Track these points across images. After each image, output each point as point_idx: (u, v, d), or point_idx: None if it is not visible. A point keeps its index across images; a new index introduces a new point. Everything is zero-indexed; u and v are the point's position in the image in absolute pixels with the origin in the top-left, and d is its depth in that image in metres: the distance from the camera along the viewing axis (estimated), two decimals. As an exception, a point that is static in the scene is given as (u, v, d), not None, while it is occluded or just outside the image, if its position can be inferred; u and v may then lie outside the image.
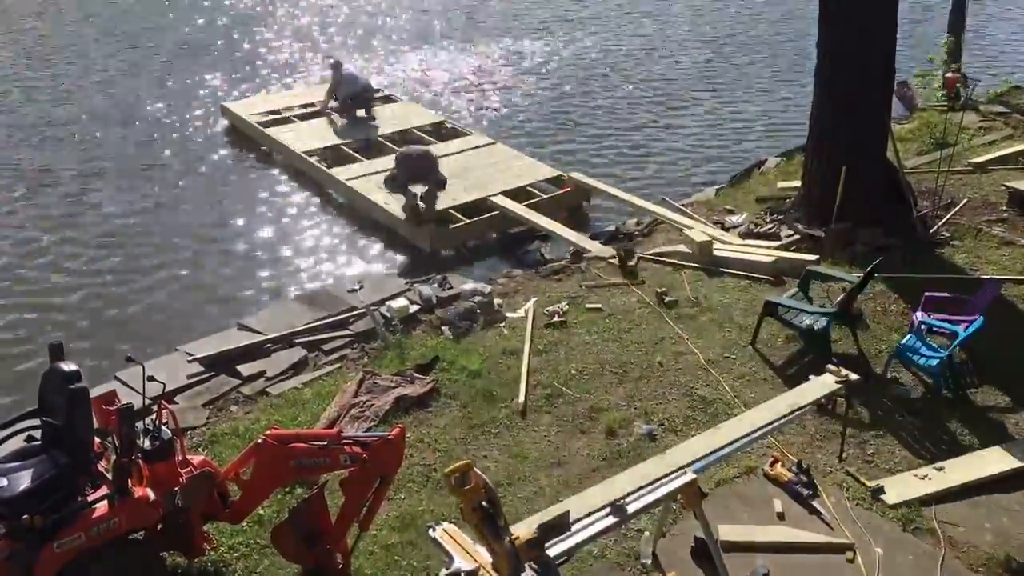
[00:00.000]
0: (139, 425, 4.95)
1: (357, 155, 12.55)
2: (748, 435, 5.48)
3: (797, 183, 10.42)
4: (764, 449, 6.50)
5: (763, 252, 9.24)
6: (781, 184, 11.14)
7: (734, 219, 10.30)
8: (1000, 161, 11.43)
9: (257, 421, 7.01)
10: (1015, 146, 11.91)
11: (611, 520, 4.70)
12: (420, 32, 19.46)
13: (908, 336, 7.38)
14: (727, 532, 5.69)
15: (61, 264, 10.28)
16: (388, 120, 13.79)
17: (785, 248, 9.38)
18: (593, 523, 4.68)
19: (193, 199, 11.88)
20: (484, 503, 4.09)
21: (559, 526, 4.38)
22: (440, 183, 11.07)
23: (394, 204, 10.95)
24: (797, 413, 5.74)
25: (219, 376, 7.90)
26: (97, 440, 5.01)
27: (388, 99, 14.86)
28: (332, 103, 13.96)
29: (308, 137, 12.97)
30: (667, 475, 5.00)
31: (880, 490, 6.09)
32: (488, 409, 7.09)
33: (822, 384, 5.85)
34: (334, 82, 13.81)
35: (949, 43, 14.04)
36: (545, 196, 11.43)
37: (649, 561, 5.51)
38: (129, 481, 4.84)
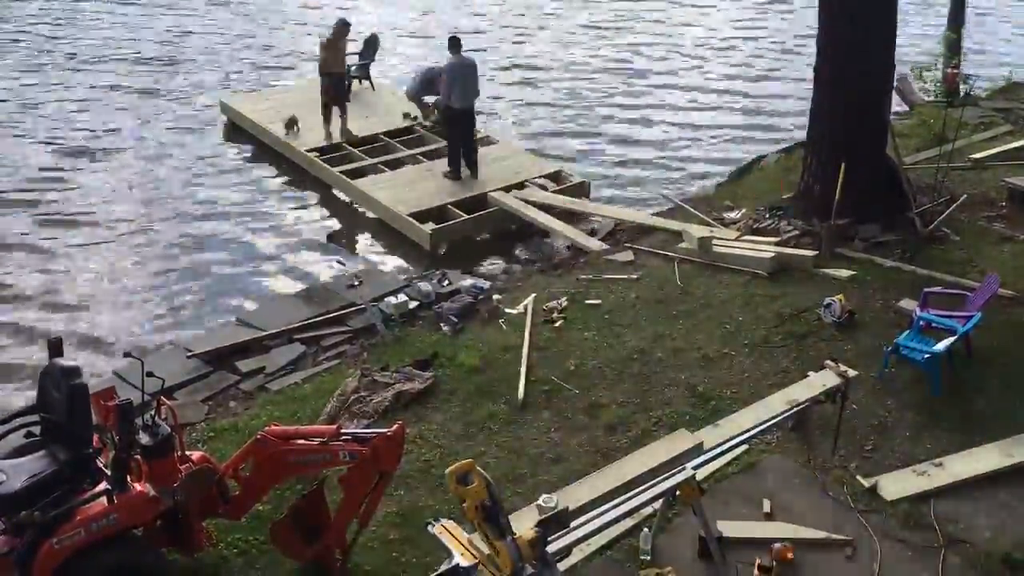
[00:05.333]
0: (138, 421, 4.95)
1: (358, 153, 12.52)
2: (748, 431, 5.50)
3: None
4: (764, 445, 6.50)
5: (762, 248, 9.24)
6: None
7: (733, 215, 10.30)
8: (1000, 157, 11.42)
9: (256, 417, 7.01)
10: (1015, 142, 11.90)
11: (610, 516, 4.71)
12: (421, 28, 19.43)
13: (906, 332, 7.38)
14: (726, 528, 5.69)
15: (59, 260, 10.26)
16: (388, 116, 13.74)
17: (784, 244, 9.37)
18: (592, 519, 4.69)
19: (191, 194, 11.86)
20: (486, 502, 4.10)
21: (559, 521, 4.39)
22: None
23: (397, 204, 10.93)
24: (796, 409, 5.76)
25: (218, 372, 7.92)
26: (96, 436, 5.01)
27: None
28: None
29: (310, 134, 12.92)
30: (666, 463, 5.01)
31: (879, 486, 6.09)
32: (487, 405, 7.09)
33: (820, 380, 5.86)
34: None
35: (949, 38, 14.02)
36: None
37: (648, 557, 5.52)
38: (128, 477, 4.85)
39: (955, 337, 7.07)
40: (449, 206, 11.00)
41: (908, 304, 8.01)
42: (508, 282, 9.41)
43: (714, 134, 14.15)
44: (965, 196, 10.18)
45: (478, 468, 4.15)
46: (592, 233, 10.43)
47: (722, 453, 5.53)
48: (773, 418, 5.60)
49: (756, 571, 5.24)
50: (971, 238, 9.43)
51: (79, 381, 4.82)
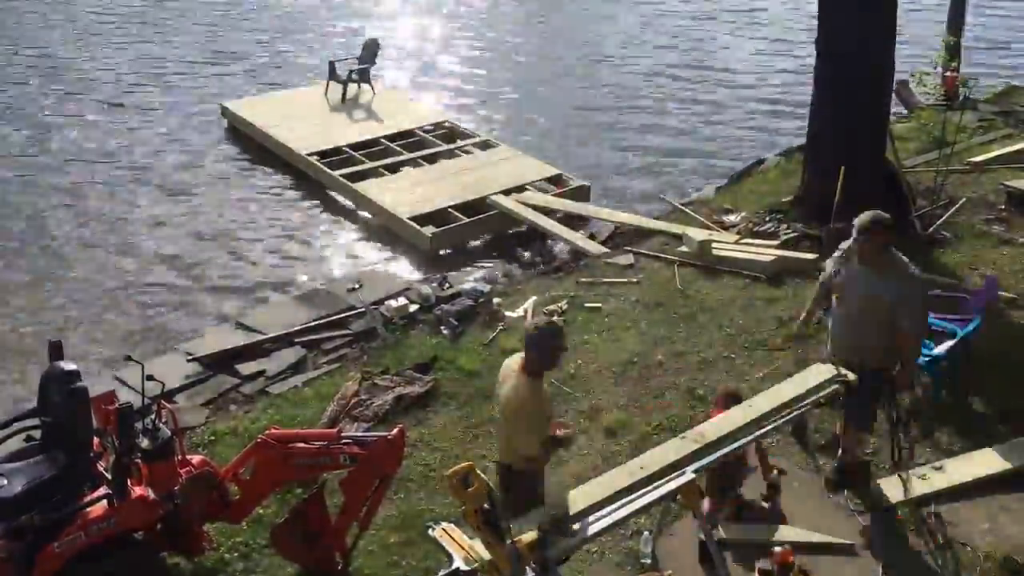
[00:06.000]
0: (138, 425, 4.95)
1: (359, 156, 12.53)
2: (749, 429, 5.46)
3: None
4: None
5: (762, 251, 9.24)
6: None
7: (733, 218, 10.31)
8: (999, 160, 11.43)
9: (256, 421, 7.01)
10: (1014, 145, 11.91)
11: (611, 519, 4.70)
12: (422, 31, 19.46)
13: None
14: (727, 531, 5.69)
15: (60, 261, 10.26)
16: (389, 119, 13.75)
17: (784, 247, 9.37)
18: (592, 523, 4.68)
19: (192, 198, 11.87)
20: (486, 505, 4.10)
21: (559, 526, 4.39)
22: None
23: (397, 207, 10.94)
24: (798, 411, 5.73)
25: (218, 375, 7.91)
26: (96, 440, 5.02)
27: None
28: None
29: (310, 138, 12.93)
30: (667, 467, 4.98)
31: (879, 489, 6.08)
32: (487, 409, 7.08)
33: (818, 374, 5.84)
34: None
35: (948, 42, 14.03)
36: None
37: (649, 560, 5.51)
38: (128, 481, 4.84)
39: (955, 340, 7.07)
40: (449, 209, 11.01)
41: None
42: (508, 285, 9.41)
43: (715, 135, 14.16)
44: (964, 199, 10.19)
45: (478, 471, 4.15)
46: (592, 236, 10.43)
47: (724, 455, 5.50)
48: (774, 419, 5.56)
49: (757, 575, 5.24)
50: (970, 241, 9.44)
51: (79, 384, 4.82)
